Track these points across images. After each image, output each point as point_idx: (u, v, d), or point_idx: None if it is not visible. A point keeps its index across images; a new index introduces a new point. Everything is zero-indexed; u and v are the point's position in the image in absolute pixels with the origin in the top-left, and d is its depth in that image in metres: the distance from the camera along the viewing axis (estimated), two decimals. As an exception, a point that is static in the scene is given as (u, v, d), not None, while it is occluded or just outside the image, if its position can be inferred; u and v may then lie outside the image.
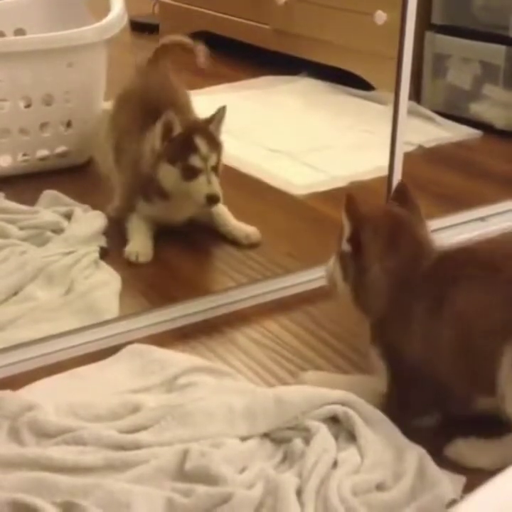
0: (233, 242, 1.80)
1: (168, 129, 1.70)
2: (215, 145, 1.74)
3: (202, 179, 1.70)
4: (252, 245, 1.78)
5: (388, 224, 1.26)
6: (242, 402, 1.20)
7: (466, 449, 1.17)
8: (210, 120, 1.77)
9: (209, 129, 1.75)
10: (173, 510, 1.03)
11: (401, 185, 1.33)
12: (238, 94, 2.77)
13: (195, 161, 1.70)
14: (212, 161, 1.72)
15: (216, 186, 1.71)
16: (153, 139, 1.72)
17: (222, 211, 1.83)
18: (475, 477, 1.12)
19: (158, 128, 1.71)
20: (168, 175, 1.72)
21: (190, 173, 1.70)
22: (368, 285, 1.25)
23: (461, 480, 1.13)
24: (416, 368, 1.20)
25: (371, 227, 1.25)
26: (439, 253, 1.24)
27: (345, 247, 1.27)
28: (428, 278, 1.21)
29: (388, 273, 1.23)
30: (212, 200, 1.70)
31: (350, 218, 1.25)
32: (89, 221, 1.78)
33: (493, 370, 1.13)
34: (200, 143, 1.71)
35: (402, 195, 1.30)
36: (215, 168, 1.73)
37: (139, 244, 1.74)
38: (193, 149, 1.70)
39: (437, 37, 2.58)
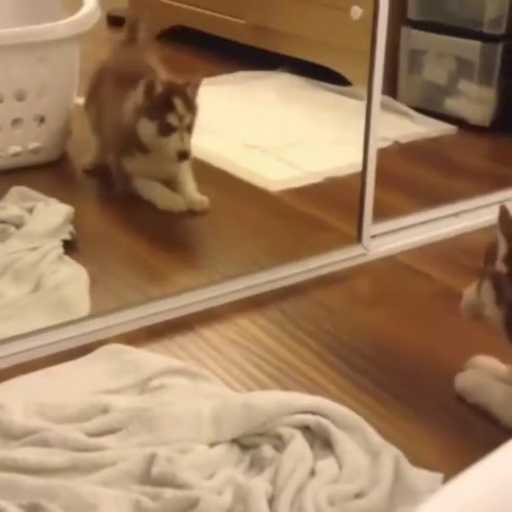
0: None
1: (150, 87, 1.89)
2: (191, 106, 1.92)
3: (175, 136, 1.89)
4: (201, 212, 1.91)
5: None
6: (211, 408, 1.17)
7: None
8: (187, 83, 1.93)
9: (187, 91, 1.92)
10: (141, 512, 1.02)
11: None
12: (214, 89, 2.75)
13: (172, 119, 1.89)
14: (187, 120, 1.90)
15: (187, 144, 1.90)
16: (136, 96, 1.91)
17: (185, 179, 1.98)
18: (452, 473, 1.11)
19: (141, 86, 1.89)
20: (147, 129, 1.91)
21: (166, 130, 1.89)
22: None
23: (437, 477, 1.12)
24: None
25: None
26: None
27: (501, 267, 1.16)
28: None
29: None
30: (182, 155, 1.89)
31: (506, 236, 1.14)
32: (49, 215, 1.76)
33: None
34: (178, 103, 1.89)
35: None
36: (188, 128, 1.91)
37: (169, 194, 1.93)
38: (171, 108, 1.89)
39: (413, 32, 2.58)
